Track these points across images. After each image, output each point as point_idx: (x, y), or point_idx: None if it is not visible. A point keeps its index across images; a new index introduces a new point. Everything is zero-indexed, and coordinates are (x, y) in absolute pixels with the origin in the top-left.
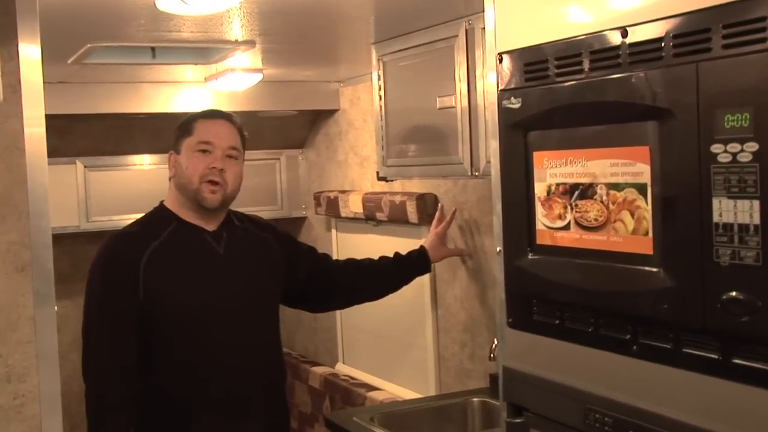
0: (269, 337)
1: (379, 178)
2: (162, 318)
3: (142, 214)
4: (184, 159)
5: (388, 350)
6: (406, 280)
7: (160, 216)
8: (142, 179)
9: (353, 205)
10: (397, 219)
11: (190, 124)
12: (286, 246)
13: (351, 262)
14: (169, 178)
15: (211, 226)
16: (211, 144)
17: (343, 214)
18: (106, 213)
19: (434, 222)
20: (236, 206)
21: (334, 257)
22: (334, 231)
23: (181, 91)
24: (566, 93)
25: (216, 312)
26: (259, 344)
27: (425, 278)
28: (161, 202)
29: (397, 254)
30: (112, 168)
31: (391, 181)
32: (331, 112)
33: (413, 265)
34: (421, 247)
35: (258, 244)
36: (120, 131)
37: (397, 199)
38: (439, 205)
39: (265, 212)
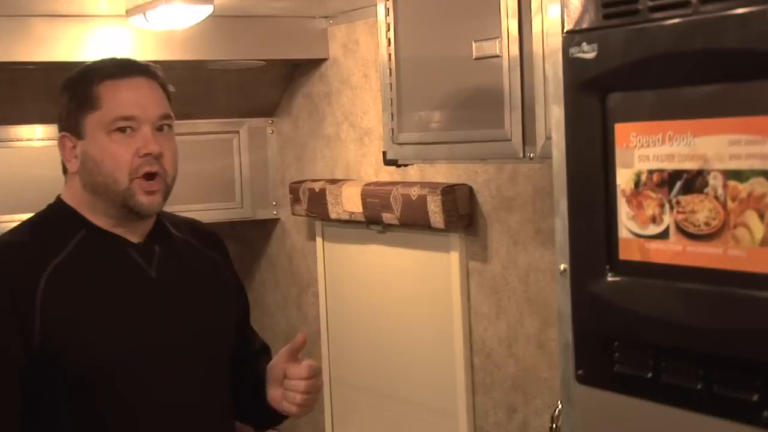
0: (219, 400)
1: (387, 162)
2: (65, 372)
3: (31, 215)
4: (95, 147)
5: (399, 417)
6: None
7: (59, 219)
8: (31, 161)
9: (348, 202)
10: (413, 222)
11: (88, 90)
12: (236, 279)
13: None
14: (65, 171)
15: (136, 236)
16: (135, 119)
17: (333, 215)
18: None
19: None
20: (168, 204)
21: (320, 279)
22: (319, 240)
23: (91, 30)
24: (665, 36)
25: (147, 362)
26: (206, 409)
27: (454, 313)
28: (59, 198)
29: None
30: None
31: (405, 166)
32: (315, 63)
33: (252, 395)
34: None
35: (204, 264)
36: None
37: (414, 192)
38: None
39: (217, 213)
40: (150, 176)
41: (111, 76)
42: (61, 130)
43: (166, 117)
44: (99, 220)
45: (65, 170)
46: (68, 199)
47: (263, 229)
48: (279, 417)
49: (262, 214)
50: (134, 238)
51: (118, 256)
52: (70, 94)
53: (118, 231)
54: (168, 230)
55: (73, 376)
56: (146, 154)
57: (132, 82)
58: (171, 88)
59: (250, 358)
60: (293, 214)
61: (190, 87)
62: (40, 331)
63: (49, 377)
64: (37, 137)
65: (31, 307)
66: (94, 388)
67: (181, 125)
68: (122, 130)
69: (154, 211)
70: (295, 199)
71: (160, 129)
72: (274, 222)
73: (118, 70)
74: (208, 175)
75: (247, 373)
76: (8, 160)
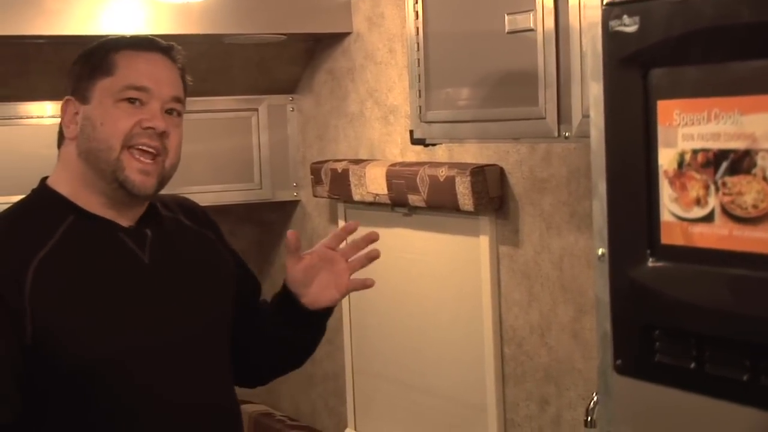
0: (223, 392)
1: (414, 141)
2: (61, 368)
3: (18, 200)
4: (99, 111)
5: (425, 409)
6: (286, 336)
7: (45, 206)
8: (41, 139)
9: (373, 183)
10: (441, 205)
11: (107, 56)
12: (232, 252)
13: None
14: (60, 141)
15: (127, 220)
16: (147, 91)
17: (356, 197)
18: None
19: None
20: (184, 185)
21: None
22: (342, 223)
23: (104, 2)
24: (711, 8)
25: (145, 353)
26: (209, 405)
27: (483, 300)
28: (43, 181)
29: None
30: None
31: (433, 145)
32: (338, 38)
33: (279, 304)
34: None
35: (197, 244)
36: (7, 65)
37: (442, 173)
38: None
39: (235, 194)
40: (147, 155)
41: (131, 46)
42: (68, 95)
43: (178, 100)
44: (90, 199)
45: (60, 143)
46: (56, 183)
47: (283, 211)
48: (319, 322)
49: (282, 196)
50: (125, 222)
51: (109, 242)
52: (84, 61)
53: (108, 214)
54: (158, 212)
55: (70, 372)
56: (149, 128)
57: (151, 56)
58: (189, 80)
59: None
60: (314, 195)
61: (207, 63)
62: (31, 327)
63: (45, 374)
64: (47, 114)
65: (21, 303)
66: (92, 382)
67: (197, 103)
68: (131, 101)
69: (146, 194)
70: (317, 180)
71: (169, 112)
72: (294, 204)
73: (139, 42)
74: (226, 154)
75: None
76: (17, 138)
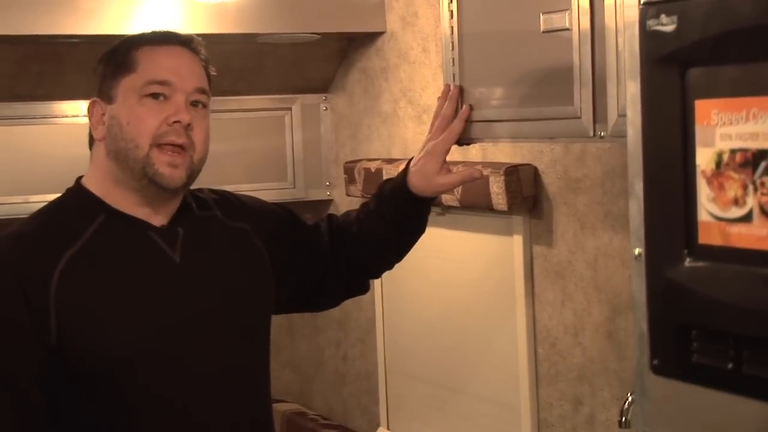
0: (254, 396)
1: None
2: (86, 368)
3: (53, 199)
4: (124, 110)
5: (458, 409)
6: (394, 225)
7: (77, 205)
8: (76, 138)
9: None
10: (474, 204)
11: (128, 53)
12: (270, 231)
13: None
14: (91, 141)
15: (159, 219)
16: (170, 85)
17: None
18: (18, 191)
19: (432, 120)
20: (217, 184)
21: None
22: None
23: (138, 2)
24: (749, 8)
25: (172, 352)
26: (240, 396)
27: (517, 299)
28: (78, 181)
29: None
30: (29, 120)
31: (467, 145)
32: (372, 37)
33: (390, 196)
34: (408, 162)
35: (234, 242)
36: (42, 64)
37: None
38: (450, 87)
39: (268, 193)
40: (173, 147)
41: (151, 42)
42: (95, 96)
43: (202, 92)
44: (121, 198)
45: (91, 144)
46: (89, 182)
47: (316, 210)
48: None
49: (315, 195)
50: (157, 221)
51: (139, 242)
52: (107, 60)
53: (140, 213)
54: (192, 210)
55: (94, 372)
56: (175, 122)
57: (172, 49)
58: (212, 71)
59: (342, 223)
60: (348, 195)
61: (241, 62)
62: (56, 327)
63: (70, 374)
64: (82, 114)
65: (45, 303)
66: (117, 382)
67: (230, 102)
68: (155, 96)
69: (175, 186)
70: (350, 180)
71: (194, 105)
72: (327, 203)
73: (159, 37)
74: (259, 153)
75: (360, 218)
76: (51, 137)
